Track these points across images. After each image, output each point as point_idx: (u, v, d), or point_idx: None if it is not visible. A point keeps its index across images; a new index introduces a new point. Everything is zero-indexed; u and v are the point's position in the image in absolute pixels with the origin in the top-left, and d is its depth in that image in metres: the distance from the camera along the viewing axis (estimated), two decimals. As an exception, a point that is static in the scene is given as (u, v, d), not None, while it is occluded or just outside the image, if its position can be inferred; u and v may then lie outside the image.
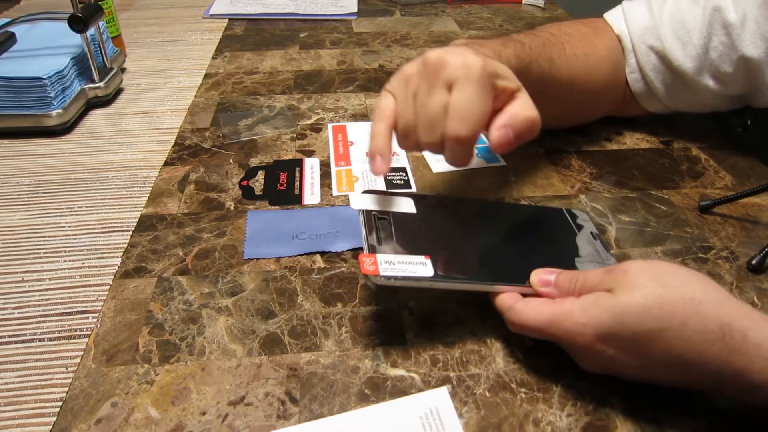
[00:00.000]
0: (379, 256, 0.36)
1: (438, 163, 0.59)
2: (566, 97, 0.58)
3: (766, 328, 0.31)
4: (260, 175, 0.57)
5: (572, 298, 0.35)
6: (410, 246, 0.38)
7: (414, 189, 0.55)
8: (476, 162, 0.59)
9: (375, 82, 0.77)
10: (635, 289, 0.32)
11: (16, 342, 0.39)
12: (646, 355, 0.32)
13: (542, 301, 0.36)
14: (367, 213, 0.40)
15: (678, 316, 0.31)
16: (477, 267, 0.39)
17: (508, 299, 0.37)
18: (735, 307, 0.32)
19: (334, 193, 0.54)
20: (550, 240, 0.44)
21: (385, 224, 0.39)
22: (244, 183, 0.55)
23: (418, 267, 0.36)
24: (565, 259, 0.41)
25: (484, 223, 0.44)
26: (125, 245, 0.48)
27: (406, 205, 0.42)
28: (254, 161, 0.59)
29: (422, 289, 0.37)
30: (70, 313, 0.41)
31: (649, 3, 0.60)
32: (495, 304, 0.38)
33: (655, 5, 0.59)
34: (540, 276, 0.37)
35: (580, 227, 0.45)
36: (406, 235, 0.39)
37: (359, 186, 0.55)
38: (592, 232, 0.45)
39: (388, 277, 0.35)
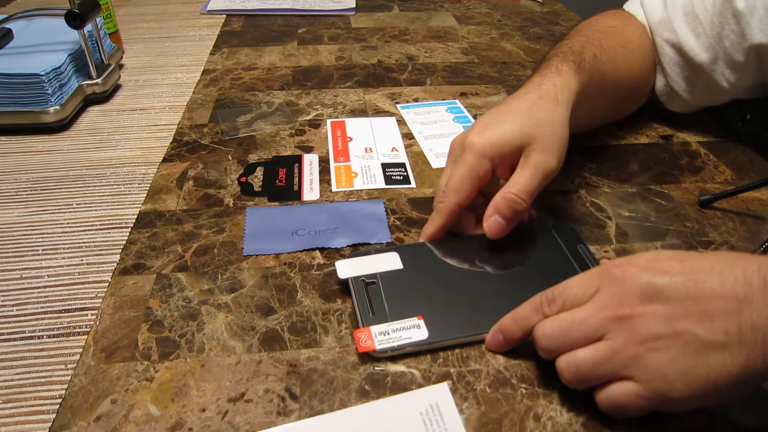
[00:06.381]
0: (373, 329, 0.38)
1: (437, 159, 0.59)
2: (609, 93, 0.57)
3: None
4: (259, 172, 0.56)
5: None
6: (402, 308, 0.39)
7: (413, 185, 0.55)
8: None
9: (373, 77, 0.77)
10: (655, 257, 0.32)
11: (15, 339, 0.39)
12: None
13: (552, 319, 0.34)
14: (356, 280, 0.41)
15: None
16: (471, 319, 0.39)
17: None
18: None
19: (333, 189, 0.54)
20: (539, 264, 0.44)
21: (375, 289, 0.41)
22: (243, 179, 0.55)
23: (413, 331, 0.38)
24: (558, 280, 0.39)
25: (471, 266, 0.43)
26: (124, 242, 0.47)
27: (392, 262, 0.43)
28: (253, 157, 0.59)
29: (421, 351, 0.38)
30: (69, 310, 0.41)
31: None
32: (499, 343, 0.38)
33: None
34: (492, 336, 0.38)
35: (568, 243, 0.45)
36: (397, 296, 0.40)
37: (358, 182, 0.55)
38: (580, 247, 0.45)
39: (385, 350, 0.37)
